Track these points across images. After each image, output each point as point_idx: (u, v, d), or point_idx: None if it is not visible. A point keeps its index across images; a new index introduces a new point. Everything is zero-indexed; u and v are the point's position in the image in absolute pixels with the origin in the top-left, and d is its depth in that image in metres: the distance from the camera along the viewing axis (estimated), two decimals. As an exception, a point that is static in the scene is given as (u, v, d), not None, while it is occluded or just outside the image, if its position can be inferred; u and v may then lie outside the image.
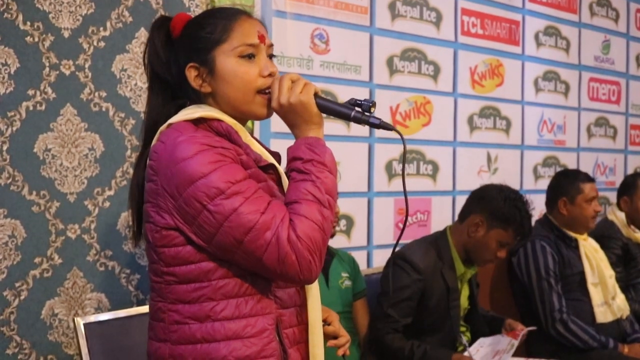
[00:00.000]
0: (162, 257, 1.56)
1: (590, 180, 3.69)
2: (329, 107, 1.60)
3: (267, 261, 1.46)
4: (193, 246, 1.52)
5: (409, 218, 3.71)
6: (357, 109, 1.59)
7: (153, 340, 1.61)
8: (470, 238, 3.03)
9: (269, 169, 1.61)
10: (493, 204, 2.99)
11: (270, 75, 1.61)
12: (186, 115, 1.58)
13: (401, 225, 3.67)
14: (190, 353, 1.53)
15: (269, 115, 1.65)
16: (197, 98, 1.64)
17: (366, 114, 1.59)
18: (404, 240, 3.46)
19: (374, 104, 1.58)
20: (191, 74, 1.62)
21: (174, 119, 1.58)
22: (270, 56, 1.66)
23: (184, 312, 1.54)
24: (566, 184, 3.72)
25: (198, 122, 1.57)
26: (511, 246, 3.08)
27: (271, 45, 1.66)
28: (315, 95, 1.59)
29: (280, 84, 1.58)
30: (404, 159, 1.62)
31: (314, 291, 1.66)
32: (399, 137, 1.58)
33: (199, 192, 1.46)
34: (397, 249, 3.10)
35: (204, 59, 1.60)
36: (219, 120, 1.58)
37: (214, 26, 1.61)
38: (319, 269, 1.52)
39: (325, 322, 1.79)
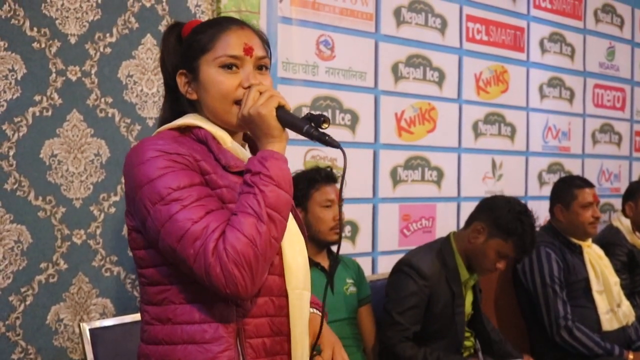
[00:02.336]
0: (135, 259, 1.61)
1: (588, 185, 3.66)
2: (287, 120, 1.57)
3: (196, 271, 1.45)
4: (154, 249, 1.54)
5: (414, 224, 3.72)
6: (311, 123, 1.56)
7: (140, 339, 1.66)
8: (470, 244, 3.03)
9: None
10: (497, 213, 2.98)
11: (249, 87, 1.59)
12: (172, 123, 1.62)
13: (406, 232, 3.68)
14: (153, 353, 1.56)
15: (242, 127, 1.63)
16: (190, 104, 1.67)
17: (317, 129, 1.56)
18: (409, 247, 3.47)
19: (326, 120, 1.56)
20: (181, 80, 1.65)
21: (161, 128, 1.62)
22: (265, 67, 1.65)
23: (152, 313, 1.58)
24: (562, 190, 3.72)
25: (185, 130, 1.61)
26: (511, 259, 3.04)
27: (262, 58, 1.64)
28: (279, 107, 1.56)
29: (247, 95, 1.57)
30: (342, 176, 1.60)
31: (297, 302, 1.62)
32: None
33: (145, 196, 1.48)
34: (403, 254, 3.14)
35: (191, 66, 1.63)
36: (199, 128, 1.61)
37: (204, 34, 1.63)
38: (249, 284, 1.46)
39: (317, 351, 1.73)
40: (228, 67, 1.60)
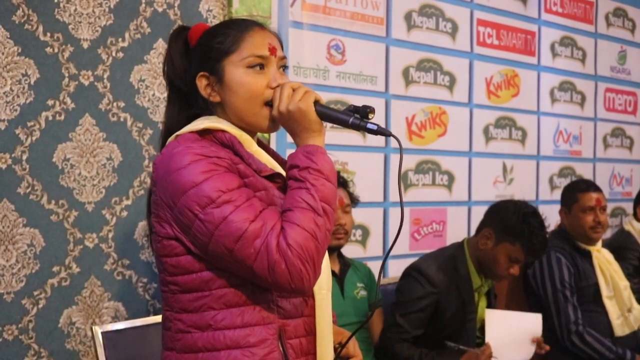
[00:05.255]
0: (165, 267, 1.57)
1: (591, 189, 3.64)
2: (329, 115, 1.59)
3: (257, 269, 1.45)
4: (193, 256, 1.53)
5: (425, 228, 3.71)
6: (355, 115, 1.58)
7: (164, 348, 1.63)
8: (480, 251, 3.02)
9: (276, 177, 1.61)
10: (504, 217, 2.97)
11: (278, 87, 1.61)
12: (192, 126, 1.60)
13: (417, 236, 3.67)
14: None
15: (271, 128, 1.64)
16: (207, 107, 1.65)
17: (364, 120, 1.58)
18: (420, 251, 3.47)
19: (372, 110, 1.58)
20: (201, 82, 1.63)
21: (181, 131, 1.60)
22: (283, 68, 1.66)
23: (187, 321, 1.55)
24: (565, 194, 3.73)
25: (204, 133, 1.59)
26: (522, 263, 3.01)
27: (284, 58, 1.66)
28: (316, 102, 1.58)
29: (280, 92, 1.58)
30: (400, 164, 1.59)
31: (322, 302, 1.64)
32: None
33: (191, 201, 1.46)
34: (414, 259, 3.14)
35: (214, 68, 1.61)
36: (223, 131, 1.59)
37: (226, 36, 1.62)
38: (312, 278, 1.49)
39: (340, 345, 1.75)
40: (257, 67, 1.60)
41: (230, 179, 1.49)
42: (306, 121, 1.57)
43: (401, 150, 1.56)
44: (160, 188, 1.53)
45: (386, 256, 1.74)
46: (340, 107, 3.23)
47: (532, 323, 3.08)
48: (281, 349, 1.55)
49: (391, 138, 1.60)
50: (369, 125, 1.57)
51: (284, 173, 1.63)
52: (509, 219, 2.94)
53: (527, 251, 2.93)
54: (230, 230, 1.44)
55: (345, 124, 1.59)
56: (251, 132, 1.66)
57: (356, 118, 1.58)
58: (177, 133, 1.60)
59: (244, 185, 1.52)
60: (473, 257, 3.05)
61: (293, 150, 1.61)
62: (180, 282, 1.55)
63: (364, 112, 1.58)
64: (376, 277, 3.14)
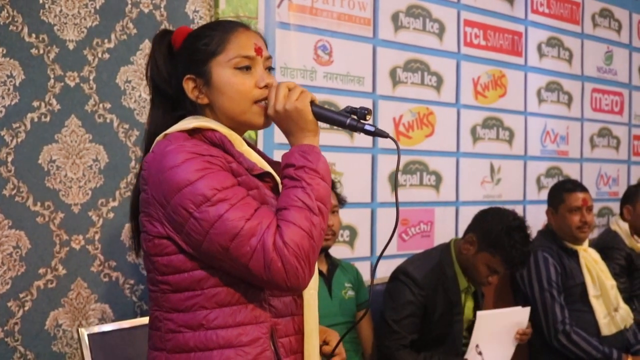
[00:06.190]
0: (156, 266, 1.57)
1: (579, 190, 3.65)
2: (325, 115, 1.60)
3: (253, 268, 1.46)
4: (185, 254, 1.53)
5: (412, 229, 3.72)
6: (352, 116, 1.59)
7: (151, 349, 1.62)
8: (462, 255, 3.03)
9: (265, 177, 1.62)
10: (487, 226, 2.97)
11: (266, 86, 1.62)
12: (181, 125, 1.60)
13: (405, 237, 3.68)
14: None
15: (266, 124, 1.65)
16: (195, 110, 1.65)
17: (361, 121, 1.59)
18: (408, 251, 3.47)
19: (369, 112, 1.59)
20: (188, 85, 1.64)
21: (170, 130, 1.60)
22: (269, 68, 1.67)
23: (178, 321, 1.55)
24: (552, 194, 3.74)
25: (193, 132, 1.59)
26: (501, 274, 3.02)
27: (269, 58, 1.67)
28: (312, 102, 1.60)
29: (277, 92, 1.59)
30: (397, 166, 1.62)
31: (311, 301, 1.65)
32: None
33: (185, 199, 1.46)
34: (402, 260, 3.14)
35: (200, 71, 1.62)
36: (213, 130, 1.59)
37: (211, 38, 1.62)
38: (307, 276, 1.50)
39: (324, 342, 1.76)
40: (244, 68, 1.61)
41: (225, 177, 1.50)
42: (302, 121, 1.58)
43: (399, 152, 1.59)
44: (152, 186, 1.53)
45: (377, 261, 1.75)
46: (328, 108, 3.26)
47: (519, 317, 3.09)
48: (273, 347, 1.56)
49: (387, 139, 1.61)
50: (367, 127, 1.58)
51: (273, 172, 1.64)
52: (493, 230, 2.93)
53: (505, 264, 2.93)
54: (226, 228, 1.45)
55: (342, 125, 1.61)
56: (240, 132, 1.67)
57: (353, 119, 1.59)
58: (166, 132, 1.60)
59: (238, 183, 1.52)
60: (458, 259, 3.06)
61: (281, 151, 1.61)
62: (171, 281, 1.55)
63: (361, 113, 1.59)
64: (364, 278, 3.14)
